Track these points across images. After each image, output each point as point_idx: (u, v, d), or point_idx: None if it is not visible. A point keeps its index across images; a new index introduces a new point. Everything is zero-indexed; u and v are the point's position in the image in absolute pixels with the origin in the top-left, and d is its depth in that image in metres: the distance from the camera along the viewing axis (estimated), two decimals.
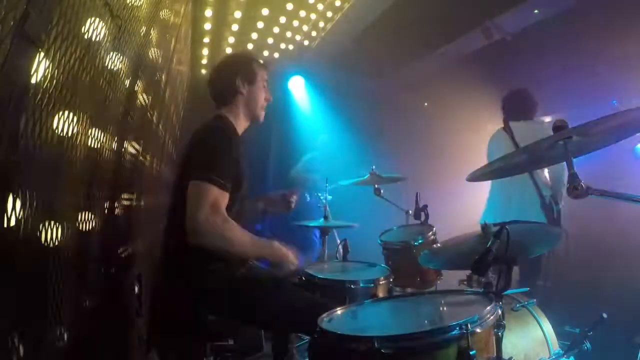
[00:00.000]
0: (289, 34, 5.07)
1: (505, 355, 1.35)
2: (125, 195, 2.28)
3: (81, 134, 1.41)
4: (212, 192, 1.73)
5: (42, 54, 1.04)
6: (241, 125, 2.16)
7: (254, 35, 4.97)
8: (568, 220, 3.76)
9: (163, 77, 3.05)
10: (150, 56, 2.48)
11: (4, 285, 0.95)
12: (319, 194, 4.21)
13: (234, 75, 2.13)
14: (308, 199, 5.25)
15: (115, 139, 1.91)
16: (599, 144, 1.52)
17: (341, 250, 2.78)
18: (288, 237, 2.22)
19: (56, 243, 1.24)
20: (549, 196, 3.25)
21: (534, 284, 3.05)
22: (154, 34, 2.42)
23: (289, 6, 4.59)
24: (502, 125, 3.53)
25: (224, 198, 1.78)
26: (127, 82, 2.01)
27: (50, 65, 1.09)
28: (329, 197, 3.54)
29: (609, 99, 4.68)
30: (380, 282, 2.23)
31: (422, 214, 2.91)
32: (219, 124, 2.02)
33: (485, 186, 3.81)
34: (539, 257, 3.12)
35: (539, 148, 1.49)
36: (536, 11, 4.28)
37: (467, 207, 4.88)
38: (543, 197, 3.22)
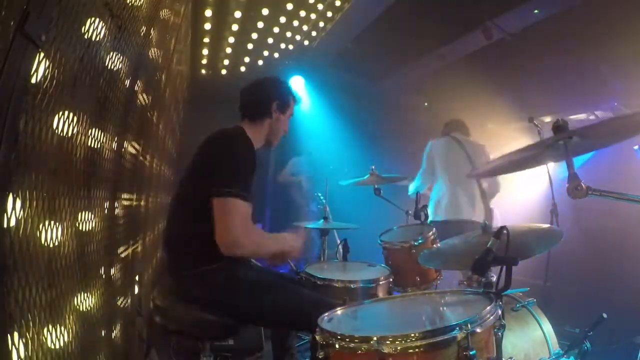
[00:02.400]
0: (289, 34, 5.07)
1: (505, 355, 1.35)
2: (125, 195, 2.28)
3: (81, 134, 1.41)
4: (239, 206, 1.79)
5: (42, 54, 1.04)
6: (258, 144, 2.17)
7: (254, 35, 4.98)
8: (568, 220, 3.76)
9: (163, 77, 3.06)
10: (150, 56, 2.48)
11: (3, 284, 0.95)
12: (320, 195, 4.21)
13: (272, 99, 2.16)
14: (306, 205, 5.32)
15: (115, 139, 1.91)
16: (599, 145, 1.52)
17: (341, 250, 2.78)
18: None
19: (56, 243, 1.24)
20: (488, 200, 3.69)
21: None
22: (154, 34, 2.42)
23: (289, 6, 4.59)
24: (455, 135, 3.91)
25: (248, 209, 1.84)
26: (127, 82, 2.01)
27: (50, 65, 1.09)
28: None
29: (609, 99, 4.67)
30: (380, 282, 2.23)
31: (422, 214, 2.91)
32: (240, 135, 2.01)
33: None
34: None
35: (540, 147, 1.49)
36: (536, 11, 4.27)
37: None
38: (486, 200, 3.65)
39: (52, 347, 1.20)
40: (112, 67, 1.69)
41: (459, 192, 3.65)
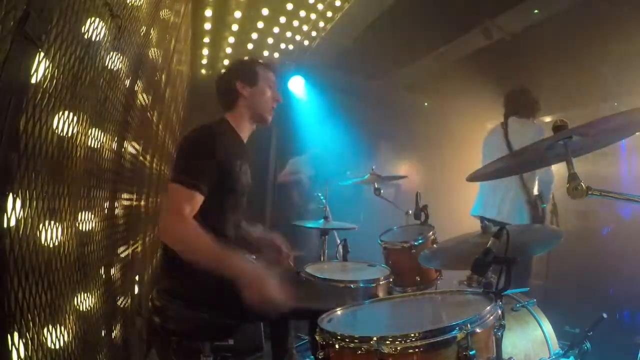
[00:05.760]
0: (289, 34, 5.07)
1: (505, 355, 1.35)
2: (125, 195, 2.28)
3: (81, 134, 1.41)
4: (178, 193, 1.73)
5: (42, 54, 1.04)
6: (245, 128, 2.14)
7: (254, 35, 4.97)
8: (569, 220, 3.76)
9: (163, 77, 3.05)
10: (150, 56, 2.47)
11: (3, 284, 0.95)
12: (319, 194, 4.21)
13: (234, 79, 2.11)
14: (306, 205, 5.33)
15: (115, 139, 1.91)
16: (599, 144, 1.52)
17: (341, 250, 2.78)
18: (287, 237, 2.22)
19: (56, 243, 1.24)
20: (534, 195, 3.41)
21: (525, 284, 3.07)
22: (154, 34, 2.42)
23: (289, 6, 4.58)
24: (502, 121, 3.66)
25: (191, 198, 1.74)
26: (127, 82, 2.01)
27: (50, 65, 1.09)
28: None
29: (609, 98, 4.68)
30: (380, 282, 2.23)
31: (422, 214, 2.91)
32: (208, 125, 2.00)
33: None
34: (529, 257, 3.14)
35: (539, 148, 1.49)
36: (536, 11, 4.27)
37: (467, 207, 4.88)
38: (529, 196, 3.36)
39: (52, 347, 1.20)
40: (112, 67, 1.69)
41: (489, 188, 3.45)
